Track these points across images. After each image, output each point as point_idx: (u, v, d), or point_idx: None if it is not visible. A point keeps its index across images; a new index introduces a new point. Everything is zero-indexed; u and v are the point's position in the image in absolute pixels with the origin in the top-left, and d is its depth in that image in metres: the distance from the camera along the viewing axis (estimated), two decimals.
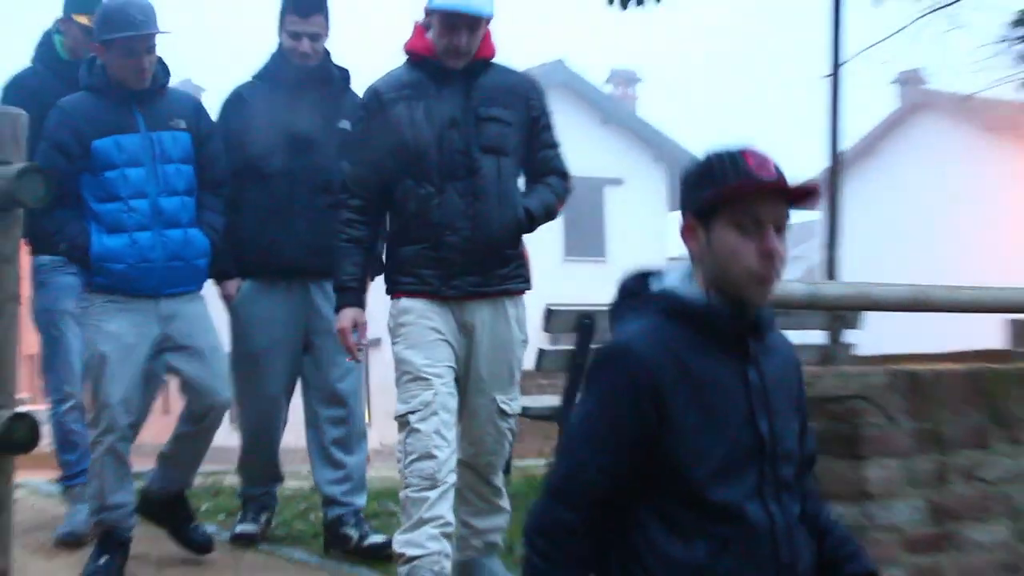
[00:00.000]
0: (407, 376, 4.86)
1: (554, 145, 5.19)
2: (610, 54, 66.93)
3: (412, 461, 4.75)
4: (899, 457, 4.53)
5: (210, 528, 6.62)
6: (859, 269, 10.45)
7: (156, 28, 5.36)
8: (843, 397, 4.48)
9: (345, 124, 5.83)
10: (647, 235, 35.35)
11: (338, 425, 6.17)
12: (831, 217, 9.74)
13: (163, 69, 5.60)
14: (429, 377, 4.79)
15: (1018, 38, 13.50)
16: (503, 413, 5.02)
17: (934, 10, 13.79)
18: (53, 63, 6.32)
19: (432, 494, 4.71)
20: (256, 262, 5.92)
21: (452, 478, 4.83)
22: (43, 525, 7.04)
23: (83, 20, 6.15)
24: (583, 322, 6.92)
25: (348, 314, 4.92)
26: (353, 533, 6.05)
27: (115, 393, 5.30)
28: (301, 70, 6.01)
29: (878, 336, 9.86)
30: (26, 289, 4.91)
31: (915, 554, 4.53)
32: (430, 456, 4.72)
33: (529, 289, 5.13)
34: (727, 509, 2.78)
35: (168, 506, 5.96)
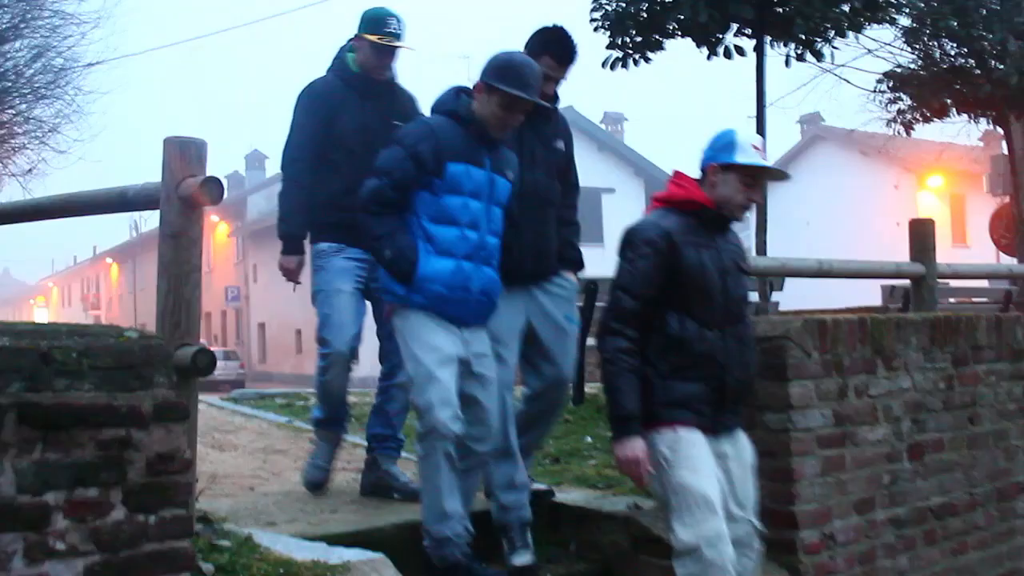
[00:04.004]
0: (694, 503, 3.53)
1: None
2: (604, 101, 67.22)
3: None
4: (812, 379, 4.45)
5: None
6: (779, 249, 10.32)
7: (538, 98, 4.11)
8: (772, 337, 4.40)
9: (560, 144, 4.70)
10: None
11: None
12: (760, 213, 9.66)
13: None
14: (716, 505, 3.54)
15: (882, 91, 13.45)
16: (759, 532, 3.79)
17: (826, 71, 13.73)
18: (343, 73, 5.08)
19: None
20: None
21: None
22: (217, 428, 7.06)
23: (372, 38, 4.96)
24: (589, 287, 6.85)
25: (637, 445, 3.54)
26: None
27: (441, 401, 3.86)
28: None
29: (794, 296, 9.75)
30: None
31: (824, 448, 4.46)
32: None
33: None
34: None
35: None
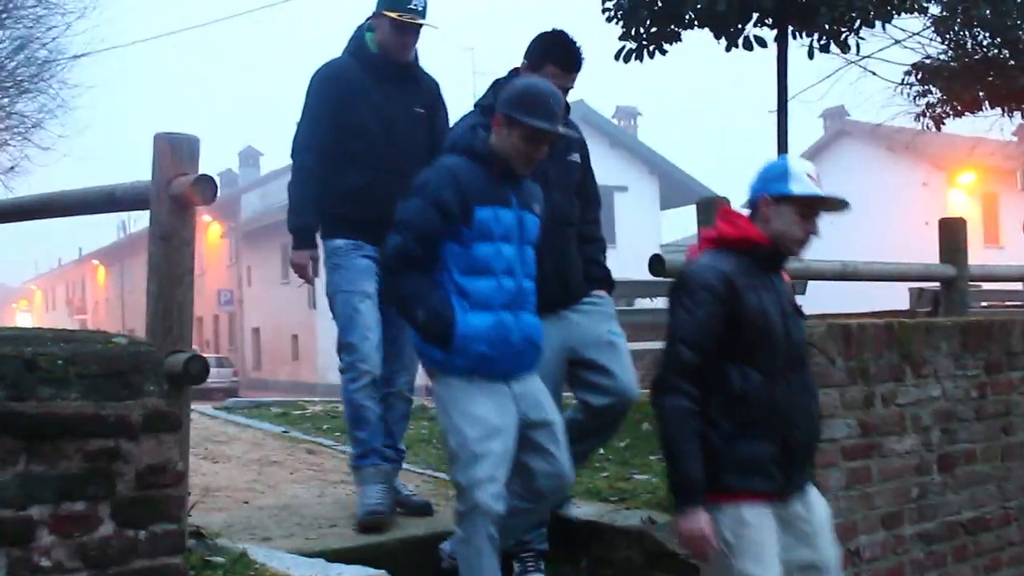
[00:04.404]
0: None
1: None
2: (616, 95, 67.10)
3: None
4: (837, 387, 4.45)
5: None
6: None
7: (561, 128, 3.91)
8: None
9: (575, 157, 4.57)
10: (645, 227, 35.71)
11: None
12: None
13: None
14: None
15: (910, 83, 13.44)
16: None
17: (851, 63, 13.71)
18: (360, 54, 4.89)
19: None
20: None
21: None
22: (209, 438, 7.06)
23: (392, 15, 4.77)
24: None
25: (703, 519, 3.26)
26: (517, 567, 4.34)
27: (484, 476, 3.65)
28: None
29: (817, 299, 9.74)
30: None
31: (849, 460, 4.46)
32: None
33: None
34: None
35: None
